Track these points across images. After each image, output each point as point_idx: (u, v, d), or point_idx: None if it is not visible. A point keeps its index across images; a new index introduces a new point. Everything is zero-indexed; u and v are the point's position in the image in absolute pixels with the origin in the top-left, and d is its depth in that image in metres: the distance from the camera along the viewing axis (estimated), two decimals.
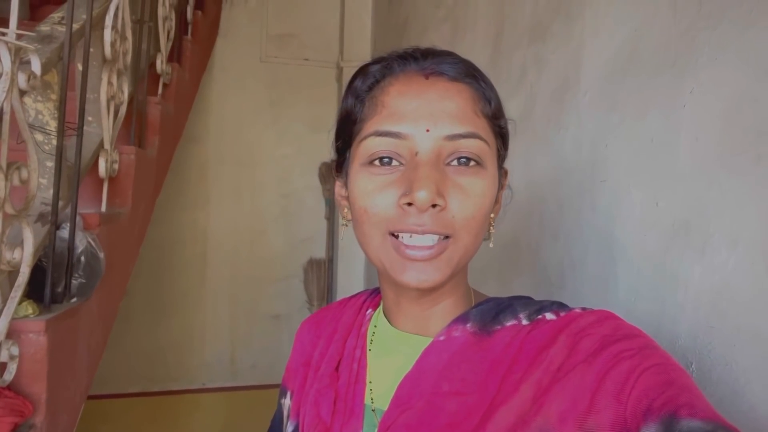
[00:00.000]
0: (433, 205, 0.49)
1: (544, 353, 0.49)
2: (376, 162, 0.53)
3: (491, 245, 0.59)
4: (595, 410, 0.44)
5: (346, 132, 0.58)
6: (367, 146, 0.53)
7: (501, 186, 0.58)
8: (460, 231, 0.51)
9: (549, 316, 0.53)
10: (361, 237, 0.55)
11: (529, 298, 0.58)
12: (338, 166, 0.61)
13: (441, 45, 0.59)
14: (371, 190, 0.52)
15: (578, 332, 0.49)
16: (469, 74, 0.55)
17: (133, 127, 1.68)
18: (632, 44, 0.82)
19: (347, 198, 0.58)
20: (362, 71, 0.58)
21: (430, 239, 0.50)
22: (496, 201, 0.58)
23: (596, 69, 0.92)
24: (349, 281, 3.17)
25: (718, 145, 0.64)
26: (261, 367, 3.30)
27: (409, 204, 0.49)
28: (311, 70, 3.36)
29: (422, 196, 0.48)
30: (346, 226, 0.61)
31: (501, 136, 0.57)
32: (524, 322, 0.53)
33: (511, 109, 0.62)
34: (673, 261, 0.72)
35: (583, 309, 0.53)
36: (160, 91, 1.99)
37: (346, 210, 0.60)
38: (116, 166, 1.48)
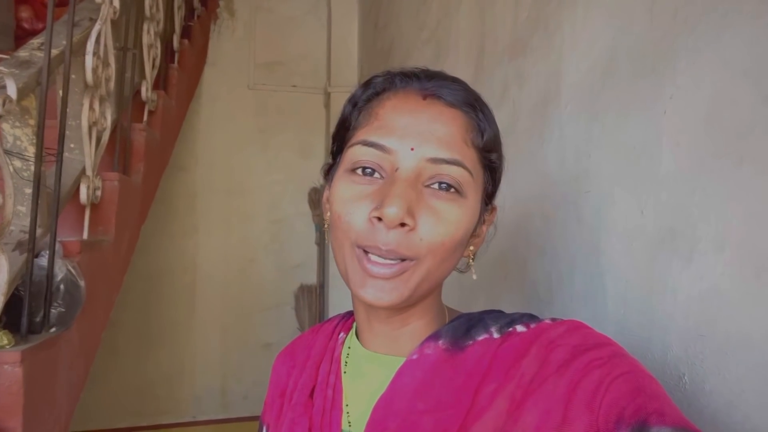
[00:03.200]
0: (402, 225, 0.48)
1: (517, 365, 0.49)
2: (359, 171, 0.52)
3: (474, 277, 0.58)
4: (569, 421, 0.43)
5: (340, 137, 0.59)
6: (353, 153, 0.53)
7: (484, 221, 0.57)
8: (426, 255, 0.50)
9: (519, 328, 0.53)
10: (333, 241, 0.55)
11: (500, 312, 0.57)
12: (329, 169, 0.61)
13: (425, 66, 0.58)
14: (348, 198, 0.52)
15: (549, 343, 0.49)
16: (468, 103, 0.54)
17: (117, 153, 1.67)
18: (610, 54, 0.82)
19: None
20: (367, 82, 0.58)
21: (393, 262, 0.50)
22: (477, 235, 0.57)
23: (576, 80, 0.92)
24: (341, 307, 3.12)
25: (700, 149, 0.64)
26: (252, 398, 3.23)
27: (379, 219, 0.49)
28: (299, 96, 3.38)
29: (391, 212, 0.47)
30: (327, 230, 0.60)
31: (490, 170, 0.56)
32: (495, 335, 0.53)
33: None
34: (661, 269, 0.70)
35: (553, 320, 0.53)
36: (145, 118, 1.98)
37: (328, 214, 0.59)
38: (99, 192, 1.46)
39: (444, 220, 0.50)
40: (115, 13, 1.45)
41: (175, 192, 3.12)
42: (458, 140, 0.52)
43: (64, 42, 1.23)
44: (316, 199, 3.28)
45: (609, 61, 0.82)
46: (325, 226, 0.61)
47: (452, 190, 0.51)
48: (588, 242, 0.87)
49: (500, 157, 0.57)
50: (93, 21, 1.37)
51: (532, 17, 1.08)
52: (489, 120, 0.56)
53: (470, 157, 0.52)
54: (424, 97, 0.54)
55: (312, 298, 3.24)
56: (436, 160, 0.50)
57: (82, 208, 1.41)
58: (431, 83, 0.55)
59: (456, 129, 0.52)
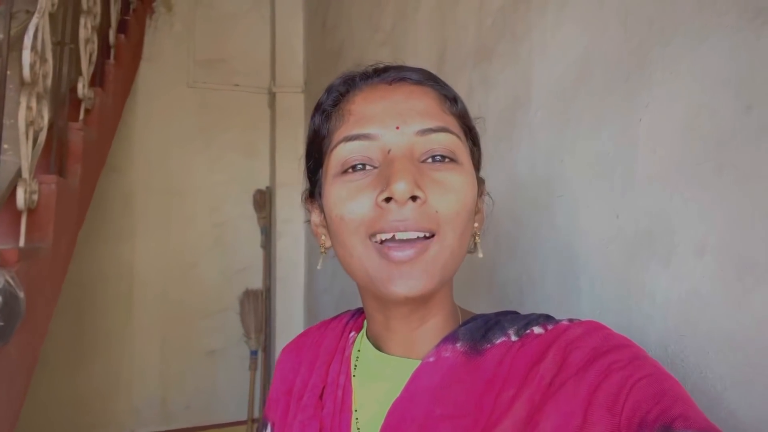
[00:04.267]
0: (414, 199, 0.47)
1: (535, 369, 0.48)
2: (349, 170, 0.51)
3: (480, 255, 0.57)
4: (589, 424, 0.43)
5: (316, 149, 0.57)
6: (338, 154, 0.52)
7: (480, 192, 0.58)
8: (445, 227, 0.49)
9: (537, 330, 0.52)
10: (341, 250, 0.52)
11: (515, 313, 0.57)
12: (311, 193, 0.59)
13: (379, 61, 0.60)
14: (345, 197, 0.50)
15: (567, 345, 0.49)
16: (432, 78, 0.56)
17: (54, 154, 1.55)
18: (583, 62, 0.85)
19: (323, 225, 0.57)
20: (327, 90, 0.58)
21: (414, 235, 0.48)
22: (478, 210, 0.57)
23: (547, 87, 0.94)
24: (289, 311, 3.08)
25: (678, 156, 0.66)
26: (195, 407, 3.11)
27: (388, 200, 0.47)
28: (242, 95, 3.28)
29: (401, 187, 0.46)
30: (325, 253, 0.58)
31: (472, 136, 0.57)
32: (513, 338, 0.52)
33: None
34: (638, 272, 0.73)
35: (570, 320, 0.52)
36: (81, 116, 1.86)
37: (323, 238, 0.58)
38: (35, 197, 1.35)
39: (450, 189, 0.50)
40: (53, 5, 1.35)
41: (109, 194, 2.95)
42: (437, 110, 0.53)
43: (0, 35, 1.13)
44: (261, 201, 3.20)
45: (582, 69, 0.85)
46: (322, 251, 0.59)
47: (447, 159, 0.51)
48: (561, 245, 0.89)
49: (473, 121, 0.59)
50: (30, 14, 1.27)
51: (497, 23, 1.10)
52: (454, 91, 0.57)
53: (453, 124, 0.53)
54: (390, 83, 0.54)
55: (258, 302, 3.16)
56: (424, 132, 0.50)
57: (18, 213, 1.31)
58: (391, 72, 0.56)
59: (431, 101, 0.53)
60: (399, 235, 0.48)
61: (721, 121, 0.60)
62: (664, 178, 0.69)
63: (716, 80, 0.61)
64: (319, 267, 0.61)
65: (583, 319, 0.53)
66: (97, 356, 2.96)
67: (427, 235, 0.48)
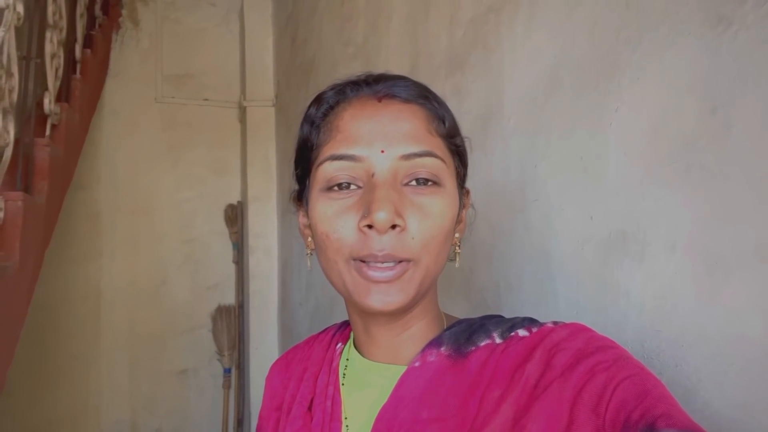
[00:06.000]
0: (393, 226, 0.49)
1: (521, 371, 0.49)
2: (335, 187, 0.52)
3: (457, 265, 0.58)
4: (575, 425, 0.44)
5: (304, 158, 0.58)
6: (325, 171, 0.53)
7: (463, 205, 0.59)
8: (421, 253, 0.51)
9: (522, 332, 0.53)
10: (325, 262, 0.54)
11: (500, 317, 0.58)
12: (299, 195, 0.61)
13: (369, 71, 0.60)
14: (331, 215, 0.52)
15: (552, 347, 0.50)
16: (422, 95, 0.56)
17: (20, 171, 1.52)
18: (552, 71, 0.88)
19: (309, 227, 0.57)
20: (317, 99, 0.58)
21: (391, 264, 0.50)
22: (460, 221, 0.58)
23: (518, 95, 0.96)
24: (262, 327, 3.04)
25: (648, 158, 0.69)
26: (167, 429, 3.04)
27: (369, 226, 0.49)
28: (212, 110, 3.26)
29: (381, 217, 0.48)
30: (311, 255, 0.60)
31: (458, 154, 0.58)
32: (498, 340, 0.53)
33: None
34: (613, 271, 0.75)
35: (555, 323, 0.54)
36: (48, 132, 1.82)
37: (309, 239, 0.59)
38: (1, 214, 1.32)
39: (430, 214, 0.51)
40: (19, 19, 1.33)
41: (75, 213, 2.87)
42: (423, 132, 0.53)
43: None
44: (233, 216, 3.16)
45: (552, 78, 0.87)
46: (308, 252, 0.60)
47: (430, 183, 0.52)
48: (536, 248, 0.91)
49: (462, 140, 0.60)
50: None
51: (468, 35, 1.13)
52: (445, 108, 0.58)
53: (438, 146, 0.54)
54: (380, 99, 0.55)
55: (230, 318, 3.11)
56: (408, 156, 0.51)
57: None
58: (381, 85, 0.56)
59: (419, 122, 0.54)
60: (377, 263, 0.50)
61: (688, 123, 0.63)
62: (635, 180, 0.71)
63: (682, 84, 0.64)
64: (309, 267, 0.62)
65: (565, 321, 0.55)
66: (62, 381, 2.86)
67: (403, 261, 0.50)
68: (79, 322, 2.94)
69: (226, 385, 3.08)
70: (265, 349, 2.99)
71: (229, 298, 3.18)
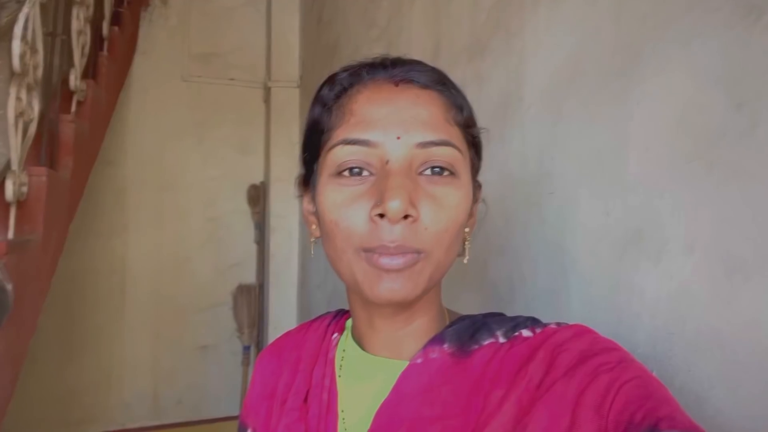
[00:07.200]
0: (405, 216, 0.47)
1: (524, 371, 0.48)
2: (345, 173, 0.50)
3: (465, 261, 0.57)
4: (577, 425, 0.43)
5: (313, 142, 0.55)
6: (336, 156, 0.50)
7: (475, 199, 0.57)
8: (433, 245, 0.49)
9: (525, 333, 0.52)
10: (332, 252, 0.52)
11: (502, 315, 0.57)
12: (305, 181, 0.58)
13: (386, 54, 0.57)
14: (341, 203, 0.49)
15: (555, 348, 0.49)
16: (440, 82, 0.54)
17: (44, 146, 1.54)
18: (575, 59, 0.84)
19: (315, 213, 0.55)
20: (330, 80, 0.56)
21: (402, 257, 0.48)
22: (471, 215, 0.56)
23: (539, 83, 0.93)
24: (282, 306, 3.07)
25: (669, 154, 0.66)
26: (187, 402, 3.10)
27: (381, 216, 0.47)
28: (237, 90, 3.27)
29: (394, 206, 0.45)
30: (314, 243, 0.58)
31: (474, 145, 0.56)
32: (501, 339, 0.52)
33: None
34: (628, 270, 0.73)
35: (558, 324, 0.52)
36: (73, 108, 1.85)
37: (314, 227, 0.57)
38: (25, 189, 1.34)
39: (445, 206, 0.49)
40: None
41: (102, 188, 2.93)
42: (441, 120, 0.51)
43: None
44: (255, 196, 3.19)
45: (574, 66, 0.84)
46: (312, 239, 0.58)
47: (446, 172, 0.50)
48: (551, 242, 0.89)
49: (478, 130, 0.57)
50: (20, 3, 1.25)
51: (491, 20, 1.09)
52: (462, 96, 0.55)
53: (456, 135, 0.52)
54: (396, 84, 0.52)
55: (251, 297, 3.15)
56: (425, 144, 0.49)
57: (7, 205, 1.30)
58: (398, 69, 0.53)
59: (436, 109, 0.51)
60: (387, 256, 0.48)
61: (712, 119, 0.60)
62: (655, 176, 0.68)
63: (708, 77, 0.61)
64: (311, 255, 0.61)
65: (572, 321, 0.53)
66: (87, 351, 2.95)
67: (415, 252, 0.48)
68: (105, 294, 3.01)
69: (245, 362, 3.13)
70: (283, 328, 2.99)
71: (250, 278, 3.22)
